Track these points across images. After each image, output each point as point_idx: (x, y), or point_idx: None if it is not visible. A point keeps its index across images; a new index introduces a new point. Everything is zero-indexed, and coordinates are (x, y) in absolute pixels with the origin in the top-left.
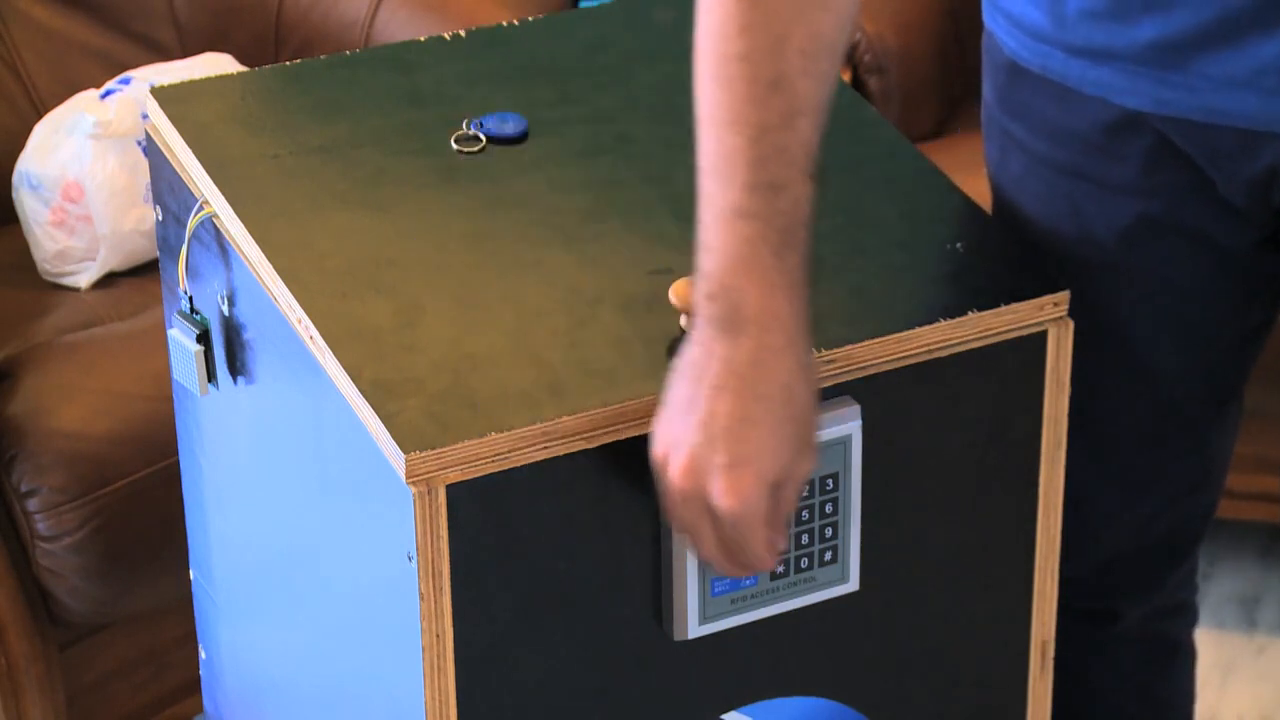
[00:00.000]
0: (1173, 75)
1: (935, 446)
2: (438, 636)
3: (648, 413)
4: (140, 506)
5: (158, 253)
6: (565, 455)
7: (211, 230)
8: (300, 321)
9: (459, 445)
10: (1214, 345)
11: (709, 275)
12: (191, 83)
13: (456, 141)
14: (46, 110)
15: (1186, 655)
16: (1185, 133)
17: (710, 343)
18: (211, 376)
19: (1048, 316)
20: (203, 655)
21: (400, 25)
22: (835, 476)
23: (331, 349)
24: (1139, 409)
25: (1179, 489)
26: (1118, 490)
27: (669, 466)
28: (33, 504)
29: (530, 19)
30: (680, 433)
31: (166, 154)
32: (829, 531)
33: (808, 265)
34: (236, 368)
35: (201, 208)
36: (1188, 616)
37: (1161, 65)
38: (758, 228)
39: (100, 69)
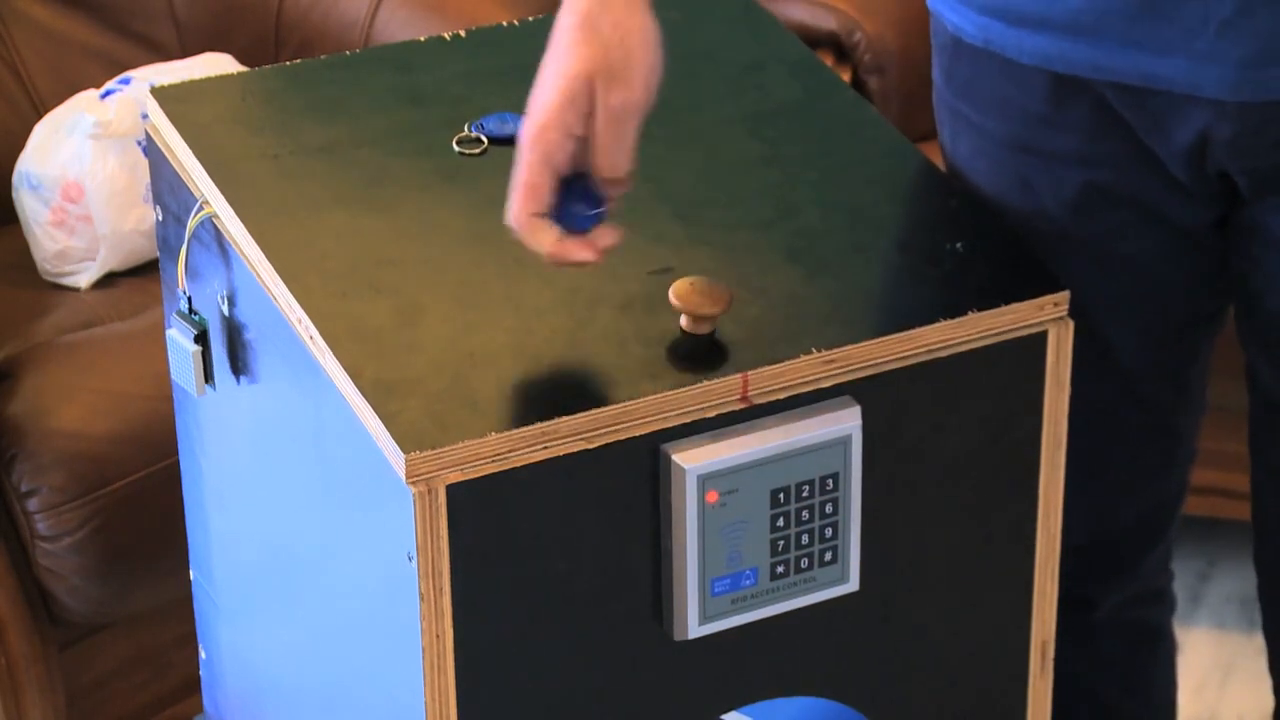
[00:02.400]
0: (1106, 41)
1: (935, 446)
2: (438, 637)
3: (648, 413)
4: (140, 506)
5: (158, 253)
6: (565, 455)
7: (211, 230)
8: (300, 321)
9: (459, 445)
10: (1167, 322)
11: None
12: (191, 83)
13: (458, 144)
14: (46, 110)
15: (1166, 643)
16: (1123, 99)
17: None
18: (209, 377)
19: (1047, 316)
20: (203, 655)
21: (400, 25)
22: (835, 476)
23: (331, 349)
24: (1096, 386)
25: (1142, 469)
26: (1081, 469)
27: None
28: (33, 504)
29: (530, 19)
30: None
31: (166, 154)
32: (829, 531)
33: None
34: (237, 368)
35: (201, 208)
36: (1165, 604)
37: (1095, 31)
38: None
39: (100, 69)
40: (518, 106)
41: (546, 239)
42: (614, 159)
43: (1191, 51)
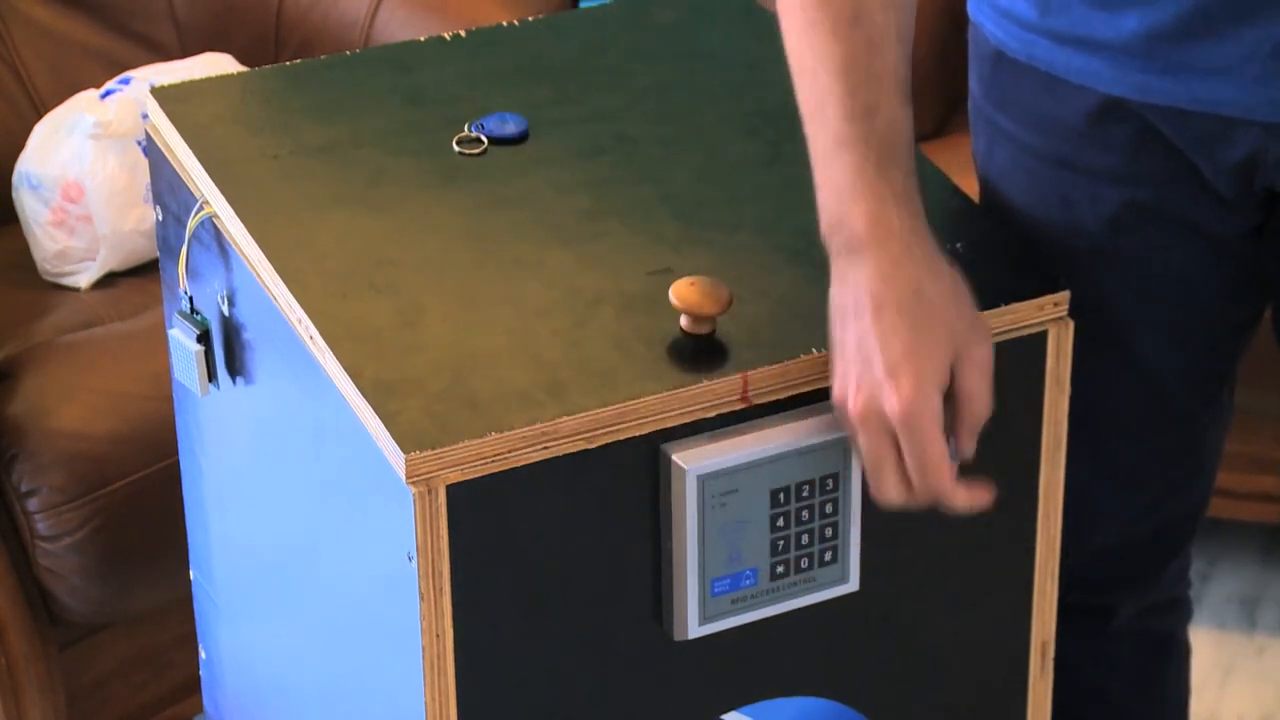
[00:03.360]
0: (1157, 64)
1: None
2: (438, 636)
3: (648, 413)
4: (140, 506)
5: (158, 253)
6: (565, 455)
7: (211, 230)
8: (300, 321)
9: (459, 445)
10: (1203, 335)
11: (825, 208)
12: (191, 83)
13: (458, 144)
14: (46, 110)
15: (1181, 651)
16: (1170, 120)
17: (844, 272)
18: (212, 376)
19: (1048, 316)
20: (203, 655)
21: (400, 25)
22: (835, 476)
23: (331, 349)
24: (1129, 398)
25: (1170, 481)
26: (1110, 481)
27: (847, 403)
28: (33, 504)
29: (530, 19)
30: (850, 369)
31: (166, 154)
32: (829, 531)
33: (917, 179)
34: (236, 368)
35: (201, 208)
36: (1182, 612)
37: (1147, 54)
38: (859, 152)
39: (100, 69)
40: (518, 106)
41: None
42: (986, 403)
43: (1244, 75)
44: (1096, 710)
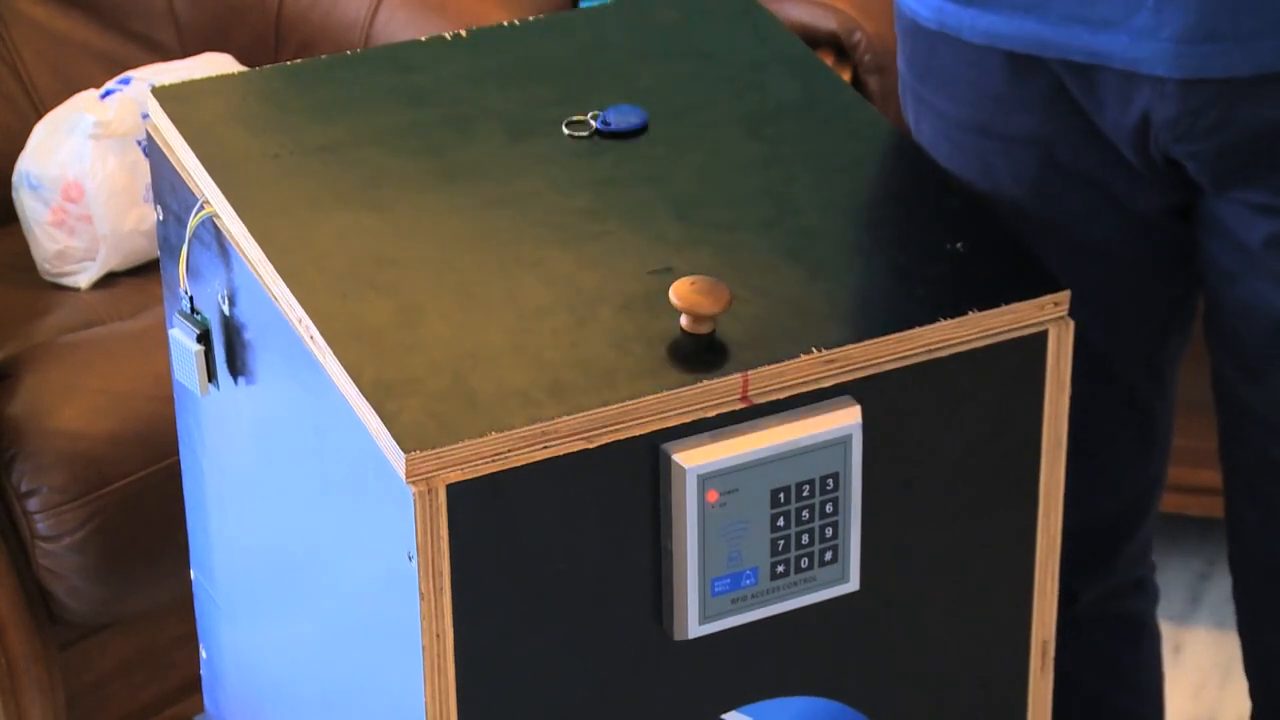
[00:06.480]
0: (1051, 16)
1: (935, 446)
2: (438, 636)
3: (648, 412)
4: (140, 506)
5: (158, 252)
6: (565, 455)
7: (212, 230)
8: (300, 321)
9: (459, 445)
10: (1138, 311)
11: None
12: (192, 82)
13: (567, 126)
14: (46, 110)
15: (1150, 634)
16: (1074, 78)
17: None
18: (212, 376)
19: (1048, 316)
20: (203, 655)
21: (400, 25)
22: (835, 476)
23: (332, 348)
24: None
25: (1120, 459)
26: None
27: None
28: (33, 504)
29: (530, 19)
30: None
31: (167, 153)
32: (829, 531)
33: None
34: (237, 367)
35: (202, 207)
36: (1147, 594)
37: (1041, 7)
38: None
39: (100, 69)
40: (518, 106)
41: None
42: None
43: (1130, 27)
44: (1070, 698)
